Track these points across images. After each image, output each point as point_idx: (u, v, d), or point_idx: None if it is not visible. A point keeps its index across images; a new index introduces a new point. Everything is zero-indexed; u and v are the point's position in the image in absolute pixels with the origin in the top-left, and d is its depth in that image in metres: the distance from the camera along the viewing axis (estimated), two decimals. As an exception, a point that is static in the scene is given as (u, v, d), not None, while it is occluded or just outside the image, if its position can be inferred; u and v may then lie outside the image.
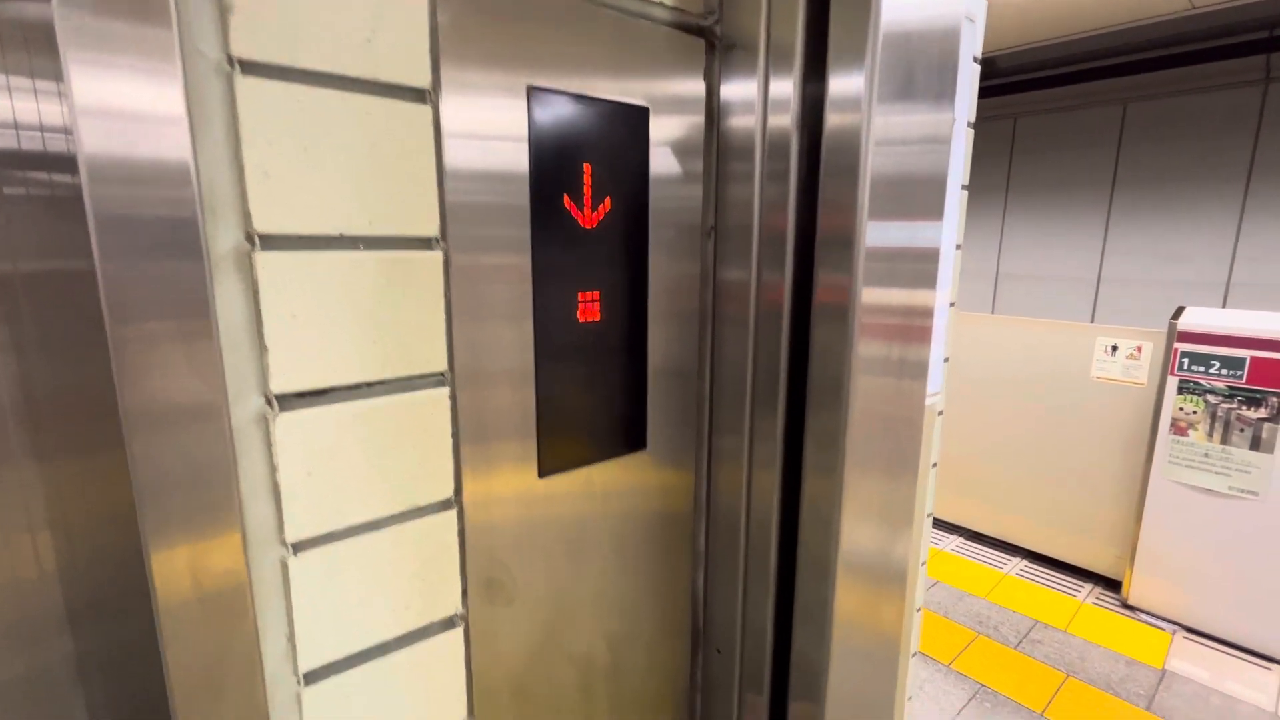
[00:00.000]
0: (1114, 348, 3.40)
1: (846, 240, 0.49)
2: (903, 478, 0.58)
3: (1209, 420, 3.04)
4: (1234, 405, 2.98)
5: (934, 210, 0.54)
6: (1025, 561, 3.77)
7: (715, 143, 0.53)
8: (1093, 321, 5.12)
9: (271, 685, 0.37)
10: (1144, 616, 3.24)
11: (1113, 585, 3.45)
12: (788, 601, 0.59)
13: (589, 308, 0.47)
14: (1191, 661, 2.92)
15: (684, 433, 0.55)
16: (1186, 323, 3.11)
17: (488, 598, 0.45)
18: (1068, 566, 3.67)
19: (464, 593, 0.44)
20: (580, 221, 0.46)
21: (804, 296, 0.54)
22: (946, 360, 0.88)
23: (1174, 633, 3.12)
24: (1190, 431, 3.09)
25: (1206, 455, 3.05)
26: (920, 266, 0.54)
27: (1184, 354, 3.10)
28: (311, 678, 0.39)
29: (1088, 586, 3.51)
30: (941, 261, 0.71)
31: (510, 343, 0.44)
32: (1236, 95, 4.36)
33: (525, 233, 0.44)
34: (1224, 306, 4.63)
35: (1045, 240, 5.40)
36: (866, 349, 0.50)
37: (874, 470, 0.54)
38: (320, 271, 0.36)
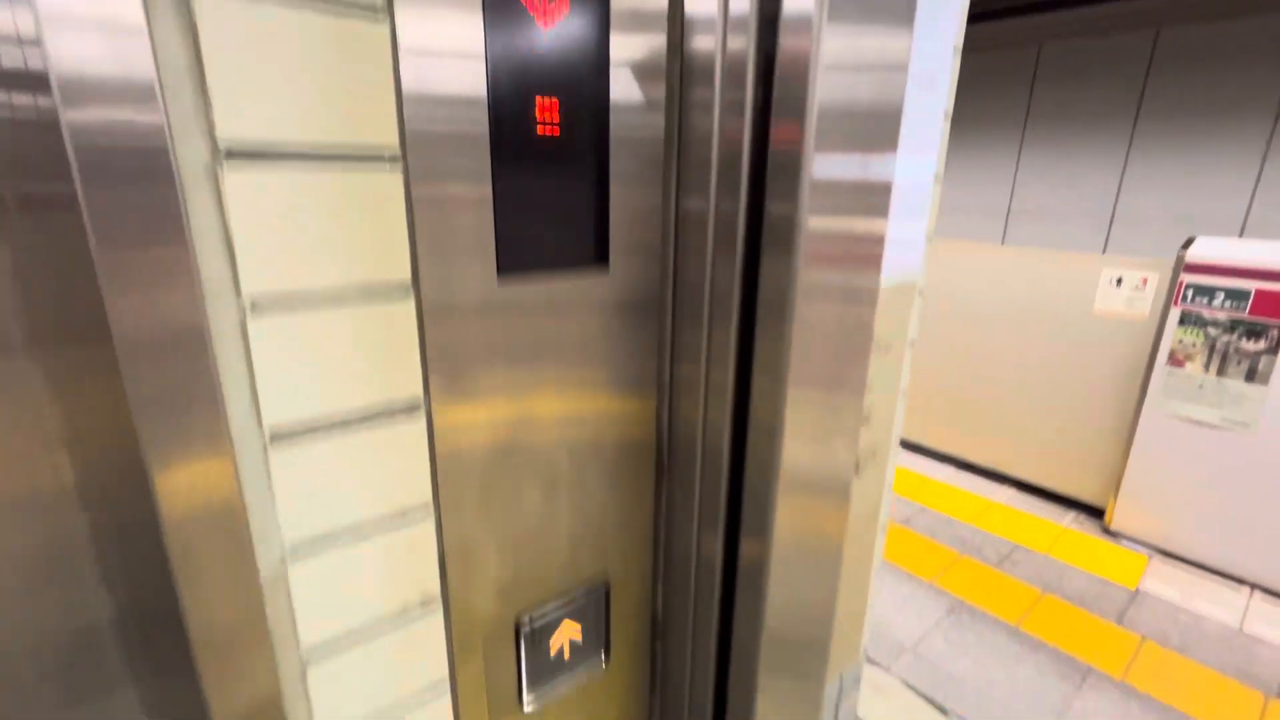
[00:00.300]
0: (1119, 280, 3.36)
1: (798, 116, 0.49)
2: (861, 303, 0.59)
3: (1207, 352, 3.04)
4: (1233, 337, 2.97)
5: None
6: (1013, 491, 3.86)
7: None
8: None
9: (239, 440, 0.39)
10: (1124, 542, 3.34)
11: (1096, 513, 3.54)
12: (744, 444, 0.61)
13: (547, 106, 0.46)
14: (1165, 582, 3.03)
15: (647, 258, 0.56)
16: (1195, 253, 3.06)
17: (449, 390, 0.47)
18: (1054, 496, 3.75)
19: (425, 382, 0.46)
20: (536, 17, 0.46)
21: (764, 128, 0.54)
22: (930, 239, 0.88)
23: (1151, 556, 3.23)
24: (1187, 363, 3.09)
25: (1201, 387, 3.06)
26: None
27: (1189, 285, 3.06)
28: (277, 437, 0.41)
29: (1071, 514, 3.61)
30: (924, 124, 0.70)
31: (465, 139, 0.44)
32: (1276, 21, 4.12)
33: (477, 19, 0.43)
34: (1238, 245, 4.54)
35: (1061, 175, 5.24)
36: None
37: (826, 308, 0.55)
38: (263, 25, 0.36)
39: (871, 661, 2.63)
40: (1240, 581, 3.04)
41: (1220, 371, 3.02)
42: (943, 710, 2.39)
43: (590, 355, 0.54)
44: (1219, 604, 2.90)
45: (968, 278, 3.90)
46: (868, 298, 0.59)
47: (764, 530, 0.59)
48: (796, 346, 0.53)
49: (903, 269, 0.74)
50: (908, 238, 0.72)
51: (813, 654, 0.71)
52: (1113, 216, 5.04)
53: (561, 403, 0.54)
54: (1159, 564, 3.17)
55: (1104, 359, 3.44)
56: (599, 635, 0.64)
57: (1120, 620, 2.80)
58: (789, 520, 0.59)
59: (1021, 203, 5.47)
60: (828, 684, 0.94)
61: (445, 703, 0.54)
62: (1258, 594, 2.96)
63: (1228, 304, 2.98)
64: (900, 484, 3.98)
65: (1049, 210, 5.35)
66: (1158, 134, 4.73)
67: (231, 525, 0.40)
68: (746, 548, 0.63)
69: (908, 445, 4.48)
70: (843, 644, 0.97)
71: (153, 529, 0.39)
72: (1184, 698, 2.40)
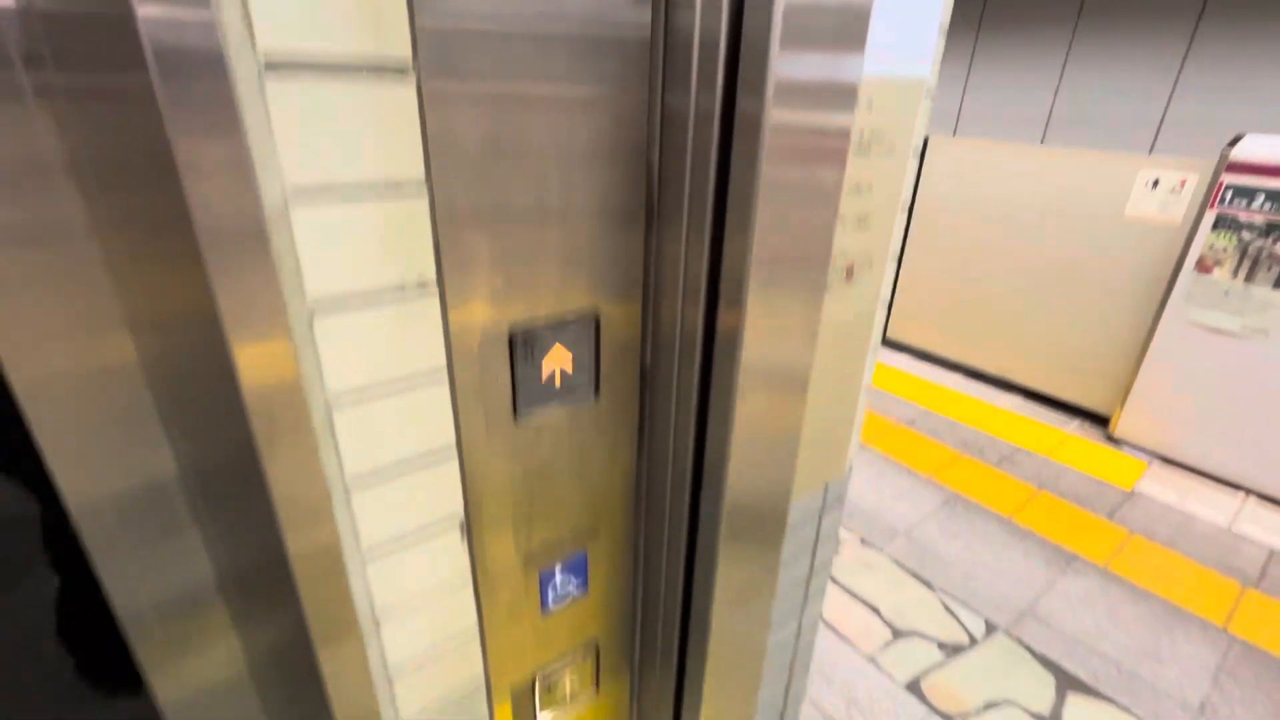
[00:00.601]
0: (1155, 182, 3.21)
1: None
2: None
3: (1238, 257, 2.95)
4: (1268, 242, 2.87)
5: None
6: (1021, 398, 3.89)
7: None
8: (1142, 174, 4.81)
9: (234, 60, 0.41)
10: (1126, 448, 3.38)
11: (1101, 421, 3.56)
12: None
13: None
14: (1162, 485, 3.09)
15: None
16: (1241, 151, 2.90)
17: (439, 60, 0.48)
18: (1061, 404, 3.77)
19: (414, 44, 0.47)
20: None
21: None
22: (944, 34, 0.83)
23: (1151, 462, 3.27)
24: (1215, 269, 3.01)
25: (1226, 294, 2.99)
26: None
27: (1229, 186, 2.93)
28: (271, 66, 0.43)
29: (1076, 421, 3.64)
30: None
31: None
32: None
33: None
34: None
35: (1110, 80, 4.91)
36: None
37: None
38: None
39: (864, 543, 2.75)
40: (1237, 487, 3.08)
41: (1249, 278, 2.94)
42: (929, 585, 2.52)
43: (575, 51, 0.54)
44: (1212, 506, 2.95)
45: (994, 179, 3.75)
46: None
47: (739, 302, 0.61)
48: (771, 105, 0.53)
49: (909, 62, 0.72)
50: (914, 23, 0.69)
51: (785, 426, 0.74)
52: (1159, 127, 4.76)
53: (547, 107, 0.54)
54: (1158, 469, 3.22)
55: (1128, 266, 3.35)
56: (590, 370, 0.68)
57: (1111, 516, 2.88)
58: (762, 294, 0.61)
59: (1063, 109, 5.17)
60: (809, 492, 1.00)
61: (444, 390, 0.58)
62: (1252, 498, 3.01)
63: (1267, 206, 2.86)
64: (906, 388, 4.02)
65: (1093, 119, 5.07)
66: (1219, 36, 4.38)
67: (232, 151, 0.42)
68: (724, 318, 0.65)
69: (915, 352, 4.48)
70: (828, 453, 1.01)
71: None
72: (1163, 584, 2.50)
